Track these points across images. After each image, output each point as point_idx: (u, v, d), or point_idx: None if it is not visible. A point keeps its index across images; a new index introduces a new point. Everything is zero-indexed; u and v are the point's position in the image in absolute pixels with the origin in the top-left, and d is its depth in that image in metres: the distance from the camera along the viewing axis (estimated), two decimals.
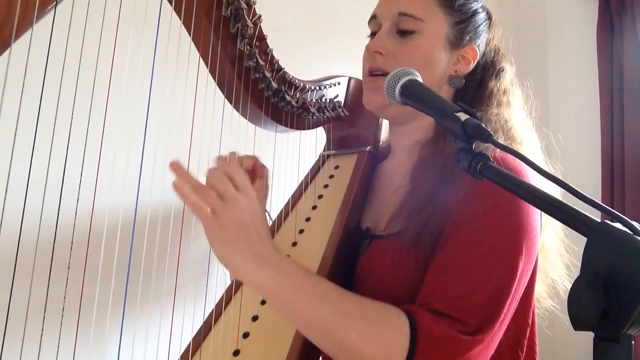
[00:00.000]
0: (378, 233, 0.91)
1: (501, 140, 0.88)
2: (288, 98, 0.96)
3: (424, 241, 0.81)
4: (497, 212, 0.78)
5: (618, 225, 0.47)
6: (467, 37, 0.94)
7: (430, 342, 0.70)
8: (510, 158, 0.81)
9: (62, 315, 0.75)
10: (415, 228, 0.82)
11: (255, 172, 0.96)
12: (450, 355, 0.71)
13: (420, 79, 0.75)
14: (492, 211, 0.78)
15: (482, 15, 0.98)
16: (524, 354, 0.88)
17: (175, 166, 0.69)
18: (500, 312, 0.75)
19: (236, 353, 0.82)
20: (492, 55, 1.00)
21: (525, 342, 0.88)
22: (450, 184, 0.82)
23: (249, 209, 0.71)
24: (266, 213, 1.45)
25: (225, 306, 0.90)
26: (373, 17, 0.96)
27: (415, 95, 0.73)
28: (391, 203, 0.91)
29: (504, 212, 0.78)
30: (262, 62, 0.90)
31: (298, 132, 1.05)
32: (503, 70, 0.99)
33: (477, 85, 0.97)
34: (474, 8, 0.96)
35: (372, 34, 0.97)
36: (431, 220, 0.81)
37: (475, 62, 0.96)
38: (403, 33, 0.92)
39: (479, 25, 0.96)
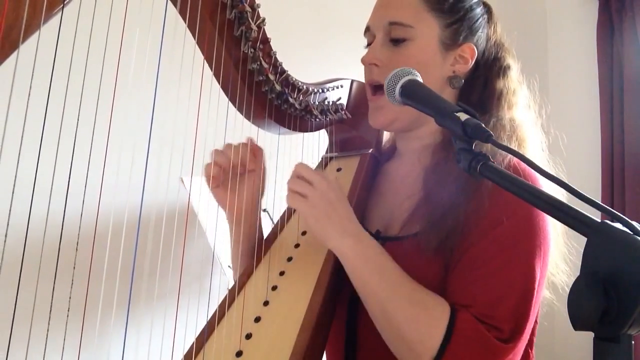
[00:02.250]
0: (391, 235, 0.92)
1: (513, 145, 0.89)
2: (291, 100, 0.97)
3: (446, 248, 0.83)
4: (515, 219, 0.80)
5: (618, 225, 0.47)
6: (462, 36, 0.93)
7: (465, 339, 0.74)
8: (524, 164, 0.82)
9: (68, 316, 0.76)
10: (439, 235, 0.83)
11: (253, 151, 0.99)
12: (483, 358, 0.74)
13: (420, 79, 0.75)
14: (511, 218, 0.80)
15: (477, 11, 0.96)
16: (533, 352, 0.89)
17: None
18: (529, 317, 0.78)
19: (239, 354, 0.82)
20: (495, 50, 0.99)
21: (535, 340, 0.89)
22: (471, 192, 0.83)
23: (333, 190, 0.85)
24: (266, 213, 1.46)
25: (228, 307, 0.90)
26: (367, 29, 0.97)
27: (415, 95, 0.73)
28: (404, 208, 0.91)
29: (522, 219, 0.80)
30: (265, 65, 0.90)
31: (301, 134, 1.05)
32: (509, 67, 0.98)
33: (483, 86, 0.96)
34: (466, 6, 0.95)
35: (369, 45, 0.97)
36: (455, 227, 0.82)
37: (475, 60, 0.95)
38: (396, 42, 0.92)
39: (474, 22, 0.95)
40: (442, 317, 0.76)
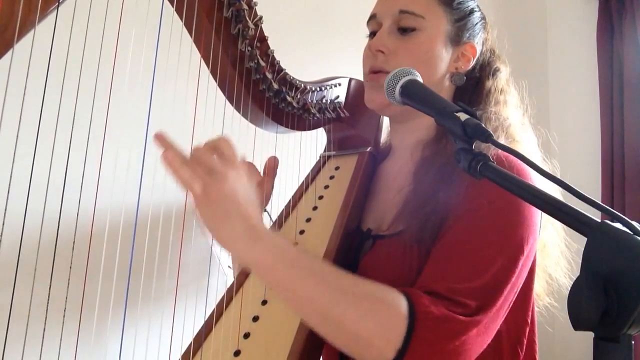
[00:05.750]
0: (381, 233, 0.91)
1: (501, 139, 0.89)
2: (289, 99, 0.97)
3: (426, 237, 0.81)
4: (500, 204, 0.78)
5: (618, 225, 0.47)
6: (467, 35, 0.95)
7: (428, 322, 0.69)
8: (513, 157, 0.82)
9: (64, 316, 0.75)
10: (418, 225, 0.82)
11: (269, 167, 0.98)
12: (448, 336, 0.70)
13: (420, 79, 0.75)
14: (495, 203, 0.78)
15: (478, 14, 0.99)
16: (523, 353, 0.88)
17: (160, 137, 0.66)
18: (499, 297, 0.75)
19: (237, 353, 0.82)
20: (488, 55, 1.01)
21: (525, 341, 0.88)
22: (453, 181, 0.82)
23: (238, 183, 0.69)
24: (266, 213, 1.45)
25: (226, 306, 0.90)
26: (372, 17, 0.97)
27: (415, 95, 0.73)
28: (394, 203, 0.91)
29: (506, 205, 0.78)
30: (263, 63, 0.90)
31: (299, 132, 1.05)
32: (498, 70, 1.00)
33: (475, 85, 0.98)
34: (470, 6, 0.97)
35: (372, 34, 0.98)
36: (433, 216, 0.81)
37: (475, 60, 0.97)
38: (404, 31, 0.92)
39: (476, 24, 0.98)
40: (400, 305, 0.70)
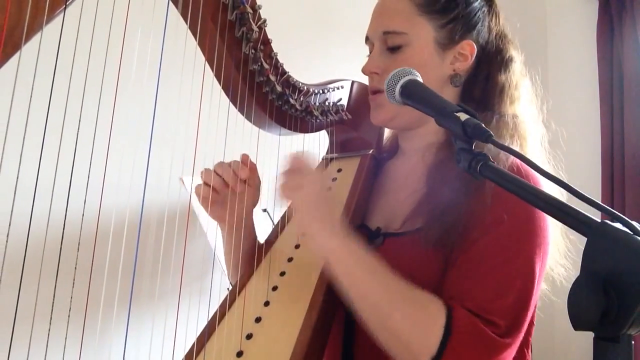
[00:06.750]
0: (392, 231, 0.92)
1: (515, 145, 0.89)
2: (292, 101, 0.97)
3: (447, 243, 0.82)
4: (519, 219, 0.80)
5: (618, 225, 0.47)
6: (459, 34, 0.93)
7: (464, 335, 0.73)
8: (526, 165, 0.82)
9: (69, 315, 0.76)
10: (439, 230, 0.83)
11: (251, 168, 0.99)
12: (482, 354, 0.74)
13: (420, 79, 0.75)
14: (514, 217, 0.80)
15: (475, 5, 0.95)
16: (529, 352, 0.89)
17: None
18: (526, 315, 0.78)
19: (239, 354, 0.82)
20: (497, 43, 0.97)
21: (531, 340, 0.89)
22: (475, 188, 0.83)
23: (324, 189, 0.87)
24: (266, 213, 1.46)
25: (229, 307, 0.91)
26: (366, 39, 0.99)
27: (415, 95, 0.73)
28: (407, 204, 0.91)
29: (522, 218, 0.80)
30: (266, 66, 0.91)
31: (301, 135, 1.05)
32: (511, 60, 0.97)
33: (485, 80, 0.95)
34: (461, 3, 0.94)
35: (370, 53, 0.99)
36: (456, 223, 0.82)
37: (475, 56, 0.94)
38: (392, 49, 0.93)
39: (472, 18, 0.94)
40: (439, 314, 0.75)
